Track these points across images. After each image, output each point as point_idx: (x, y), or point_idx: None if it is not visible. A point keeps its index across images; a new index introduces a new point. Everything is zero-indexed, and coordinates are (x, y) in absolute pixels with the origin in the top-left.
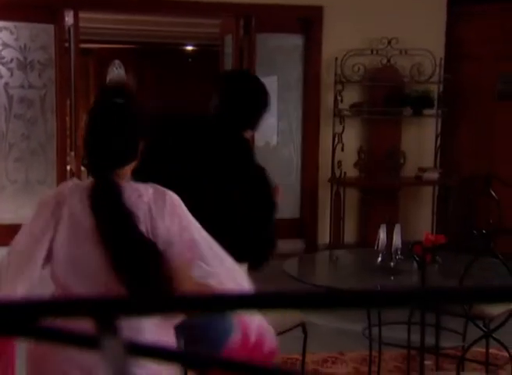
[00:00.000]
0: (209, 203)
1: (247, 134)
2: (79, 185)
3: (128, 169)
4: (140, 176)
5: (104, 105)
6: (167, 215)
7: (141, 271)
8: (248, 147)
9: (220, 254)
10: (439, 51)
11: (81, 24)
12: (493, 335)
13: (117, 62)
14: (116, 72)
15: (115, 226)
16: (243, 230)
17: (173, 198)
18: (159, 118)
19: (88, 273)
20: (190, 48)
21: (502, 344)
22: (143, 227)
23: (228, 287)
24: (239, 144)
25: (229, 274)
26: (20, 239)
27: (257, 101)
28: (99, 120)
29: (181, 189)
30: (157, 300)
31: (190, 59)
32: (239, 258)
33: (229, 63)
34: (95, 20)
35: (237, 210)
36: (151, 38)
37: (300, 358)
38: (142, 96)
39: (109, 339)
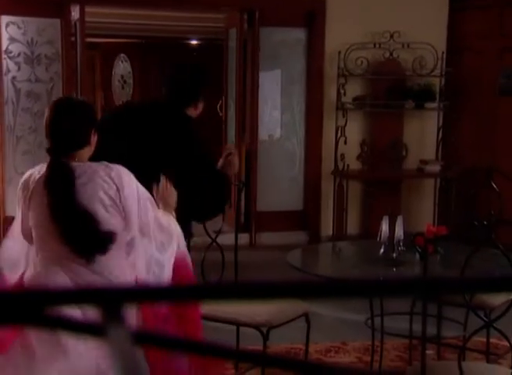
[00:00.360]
0: (155, 172)
1: (191, 112)
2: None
3: (82, 154)
4: (96, 156)
5: (61, 101)
6: (125, 185)
7: (77, 231)
8: (186, 121)
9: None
10: (441, 45)
11: (87, 19)
12: (494, 325)
13: (122, 56)
14: (122, 66)
15: (58, 197)
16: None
17: (121, 170)
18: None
19: (43, 229)
20: (194, 42)
21: (502, 333)
22: (102, 193)
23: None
24: (178, 119)
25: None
26: (15, 226)
27: (191, 82)
28: (56, 112)
29: (130, 163)
30: (161, 288)
31: (194, 53)
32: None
33: (233, 57)
34: (101, 15)
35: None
36: (156, 32)
37: (304, 347)
38: (147, 89)
39: (115, 327)
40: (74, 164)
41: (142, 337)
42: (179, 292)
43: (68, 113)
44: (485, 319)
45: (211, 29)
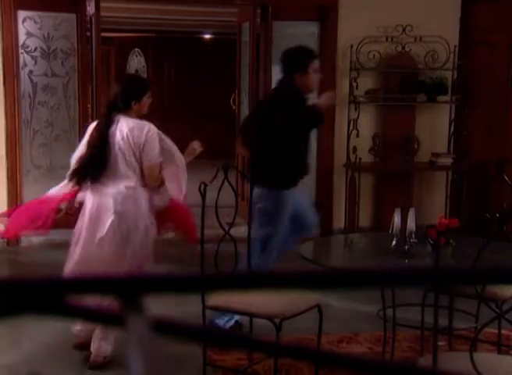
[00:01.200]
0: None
1: (299, 77)
2: None
3: (129, 113)
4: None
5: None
6: (143, 136)
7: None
8: (287, 83)
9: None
10: (454, 38)
11: (102, 13)
12: (505, 317)
13: (137, 50)
14: (136, 60)
15: (98, 136)
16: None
17: (150, 128)
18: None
19: None
20: (207, 36)
21: None
22: (127, 138)
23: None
24: (285, 83)
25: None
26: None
27: (292, 52)
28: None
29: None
30: (179, 278)
31: (208, 47)
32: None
33: (246, 51)
34: (116, 9)
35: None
36: (170, 27)
37: (316, 338)
38: (161, 83)
39: (134, 317)
40: (120, 116)
41: (160, 326)
42: (194, 282)
43: (119, 85)
44: (496, 310)
45: (225, 23)
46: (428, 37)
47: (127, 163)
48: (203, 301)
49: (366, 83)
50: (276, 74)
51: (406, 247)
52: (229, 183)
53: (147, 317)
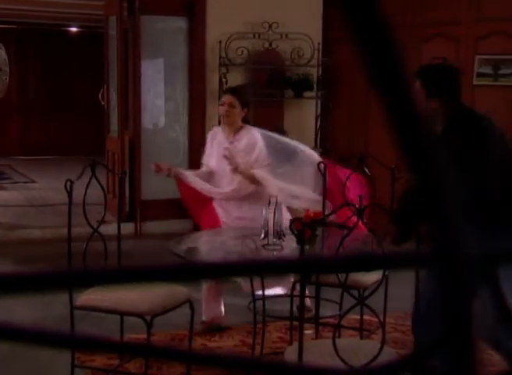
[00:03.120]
0: None
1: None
2: None
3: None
4: None
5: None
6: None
7: None
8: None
9: None
10: (317, 36)
11: None
12: (366, 303)
13: None
14: None
15: None
16: None
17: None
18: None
19: None
20: (74, 29)
21: (372, 310)
22: None
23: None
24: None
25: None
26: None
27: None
28: None
29: None
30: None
31: (74, 41)
32: None
33: (113, 45)
34: None
35: None
36: (33, 19)
37: (188, 333)
38: (25, 78)
39: None
40: None
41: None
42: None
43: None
44: (356, 297)
45: (92, 16)
46: (294, 34)
47: None
48: (71, 302)
49: (235, 78)
50: (145, 69)
51: (274, 240)
52: (97, 179)
53: None
